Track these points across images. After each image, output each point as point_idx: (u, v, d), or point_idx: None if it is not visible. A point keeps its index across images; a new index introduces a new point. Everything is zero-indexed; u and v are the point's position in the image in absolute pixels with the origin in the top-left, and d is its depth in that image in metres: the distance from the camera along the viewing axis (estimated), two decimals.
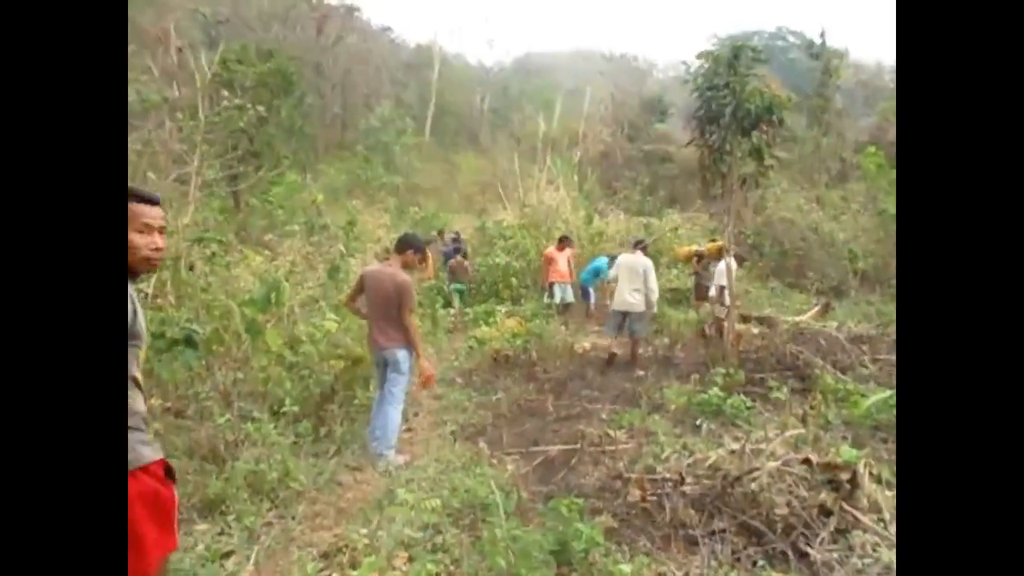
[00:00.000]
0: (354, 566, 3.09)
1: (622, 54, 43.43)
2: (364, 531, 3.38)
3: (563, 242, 10.73)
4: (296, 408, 4.66)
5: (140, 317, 1.86)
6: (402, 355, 4.59)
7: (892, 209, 13.20)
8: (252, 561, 3.12)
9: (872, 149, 16.00)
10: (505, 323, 8.48)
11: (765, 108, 6.89)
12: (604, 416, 5.49)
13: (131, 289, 1.83)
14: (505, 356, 7.47)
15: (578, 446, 4.67)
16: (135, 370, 1.86)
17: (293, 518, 3.61)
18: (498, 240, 13.62)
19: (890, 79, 34.31)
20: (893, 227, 12.73)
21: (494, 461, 4.49)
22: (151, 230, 1.89)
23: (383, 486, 4.05)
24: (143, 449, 1.83)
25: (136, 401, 1.87)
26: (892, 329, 8.02)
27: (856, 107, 32.42)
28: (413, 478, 4.18)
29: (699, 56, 7.45)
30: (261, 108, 10.32)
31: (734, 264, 7.71)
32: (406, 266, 4.75)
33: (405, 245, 4.79)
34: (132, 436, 1.80)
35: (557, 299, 10.34)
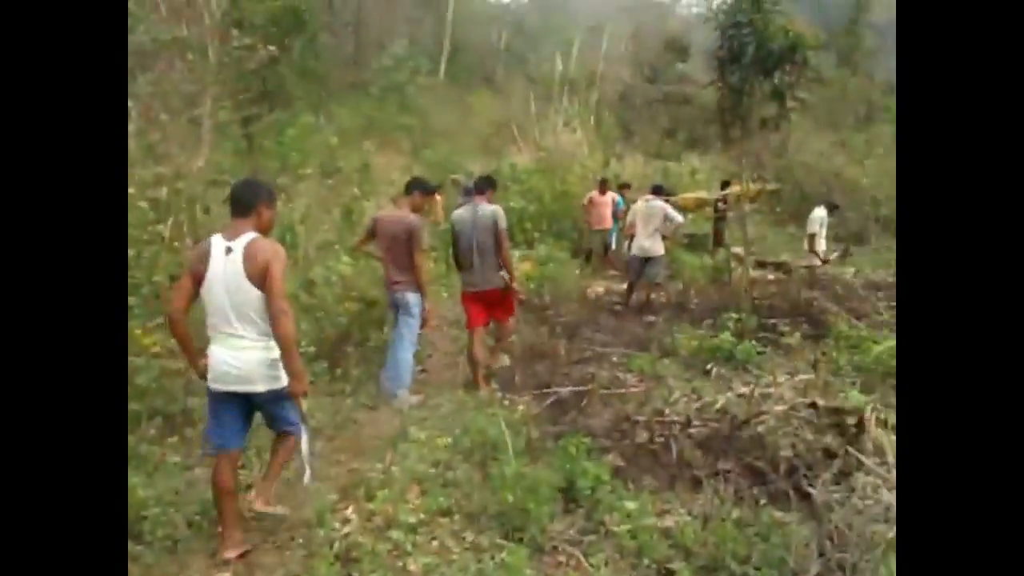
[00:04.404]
0: (370, 499, 3.21)
1: None
2: (379, 466, 3.49)
3: (604, 185, 10.44)
4: (312, 349, 4.77)
5: None
6: (413, 298, 4.65)
7: None
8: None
9: None
10: (519, 267, 8.48)
11: (789, 47, 6.67)
12: (615, 360, 5.55)
13: None
14: (519, 300, 7.50)
15: (589, 388, 4.74)
16: None
17: (312, 454, 3.73)
18: (512, 183, 13.46)
19: None
20: None
21: (506, 402, 4.58)
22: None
23: (397, 425, 4.17)
24: None
25: None
26: None
27: (888, 45, 31.09)
28: (426, 417, 4.29)
29: None
30: (272, 48, 10.14)
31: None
32: (415, 209, 4.79)
33: (412, 187, 4.85)
34: None
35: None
